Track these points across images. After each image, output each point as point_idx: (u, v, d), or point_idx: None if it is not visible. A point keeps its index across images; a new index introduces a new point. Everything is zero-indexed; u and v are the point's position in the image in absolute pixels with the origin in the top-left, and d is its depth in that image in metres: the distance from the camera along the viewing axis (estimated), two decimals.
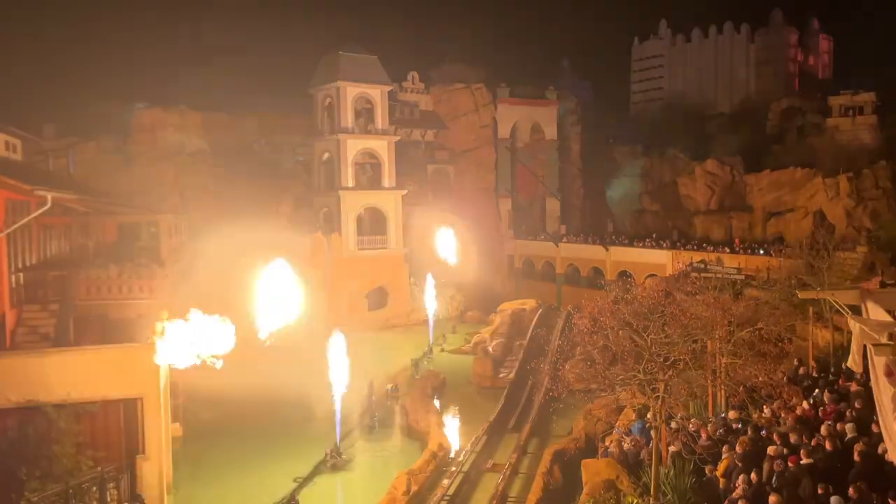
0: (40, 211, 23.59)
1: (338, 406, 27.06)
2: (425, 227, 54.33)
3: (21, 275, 25.01)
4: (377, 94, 56.16)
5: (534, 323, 43.89)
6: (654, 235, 57.62)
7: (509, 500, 22.41)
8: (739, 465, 13.98)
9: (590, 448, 23.39)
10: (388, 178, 56.48)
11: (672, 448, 16.08)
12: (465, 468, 24.56)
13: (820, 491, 12.13)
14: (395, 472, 24.23)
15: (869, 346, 12.23)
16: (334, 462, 25.88)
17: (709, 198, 59.45)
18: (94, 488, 18.47)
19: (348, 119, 54.79)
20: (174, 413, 26.75)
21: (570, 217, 72.56)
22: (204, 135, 57.86)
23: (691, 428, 16.65)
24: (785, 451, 13.86)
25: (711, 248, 51.14)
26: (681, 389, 15.34)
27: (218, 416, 31.28)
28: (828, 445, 13.56)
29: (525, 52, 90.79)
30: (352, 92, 54.84)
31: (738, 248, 49.50)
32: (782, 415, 16.45)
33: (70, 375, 19.41)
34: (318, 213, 57.05)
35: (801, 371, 20.74)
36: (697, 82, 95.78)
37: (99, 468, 18.79)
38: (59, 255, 30.65)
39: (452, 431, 29.34)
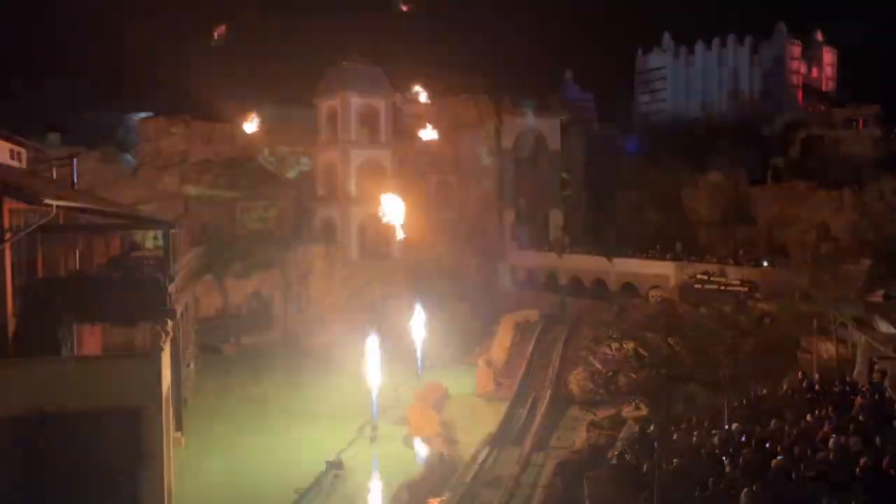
0: (44, 220, 23.62)
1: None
2: None
3: (24, 283, 25.02)
4: (381, 104, 56.31)
5: (536, 334, 43.77)
6: (657, 247, 57.51)
7: None
8: (743, 478, 13.88)
9: (592, 460, 23.26)
10: (391, 189, 56.50)
11: (675, 461, 15.99)
12: (468, 480, 24.44)
13: None
14: (397, 483, 24.17)
15: (875, 359, 12.19)
16: (336, 472, 25.81)
17: (713, 210, 59.38)
18: (95, 498, 18.41)
19: (352, 129, 54.93)
20: (176, 422, 26.69)
21: (574, 228, 72.46)
22: (208, 144, 58.03)
23: (694, 440, 16.57)
24: (789, 464, 13.77)
25: (715, 260, 50.98)
26: (684, 401, 15.27)
27: (220, 425, 31.26)
28: (831, 458, 13.47)
29: (529, 63, 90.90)
30: (356, 102, 55.01)
31: (741, 261, 49.39)
32: (786, 427, 16.36)
33: (72, 385, 19.37)
34: (320, 222, 57.13)
35: (804, 383, 20.64)
36: (701, 94, 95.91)
37: (100, 478, 18.72)
38: (62, 263, 30.68)
39: (455, 443, 29.22)
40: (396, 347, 40.57)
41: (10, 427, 18.43)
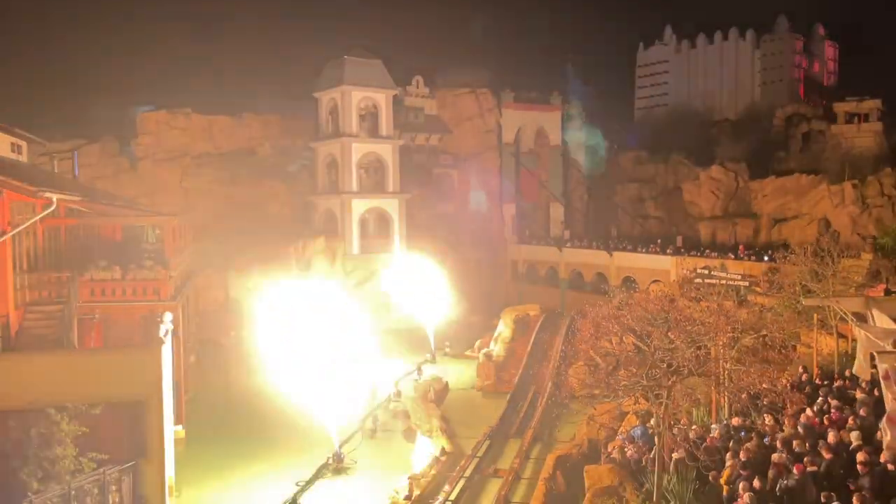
0: (45, 212, 23.64)
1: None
2: None
3: (25, 276, 25.05)
4: (382, 98, 56.26)
5: (537, 328, 43.80)
6: (658, 241, 57.50)
7: None
8: (743, 472, 13.92)
9: (592, 454, 23.33)
10: (392, 183, 56.54)
11: (675, 455, 16.02)
12: (468, 473, 24.51)
13: (823, 499, 12.08)
14: (397, 476, 24.23)
15: (875, 354, 12.21)
16: (337, 466, 25.87)
17: (713, 204, 59.34)
18: (96, 490, 18.47)
19: (353, 123, 54.88)
20: (177, 415, 26.76)
21: (574, 222, 72.52)
22: (208, 138, 58.01)
23: (694, 434, 16.60)
24: (789, 458, 13.80)
25: (716, 254, 50.97)
26: (684, 396, 15.28)
27: (221, 418, 31.32)
28: (831, 453, 13.50)
29: (530, 56, 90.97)
30: (357, 96, 54.95)
31: (742, 255, 49.38)
32: (786, 422, 16.39)
33: (73, 377, 19.42)
34: (320, 216, 57.13)
35: (804, 378, 20.68)
36: (702, 88, 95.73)
37: (101, 470, 18.79)
38: (63, 256, 30.69)
39: (455, 436, 29.29)
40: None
41: (10, 419, 18.49)
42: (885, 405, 11.86)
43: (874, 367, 12.86)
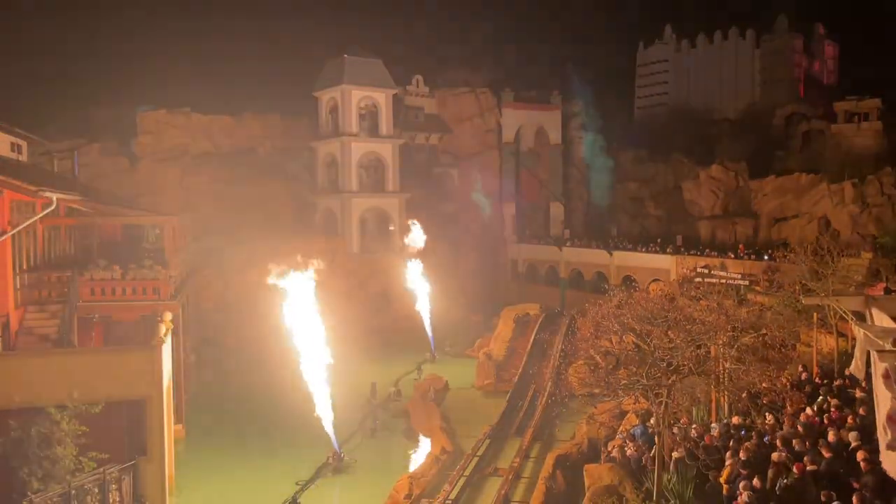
0: (45, 212, 23.66)
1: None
2: None
3: (26, 276, 25.07)
4: (382, 97, 56.28)
5: (537, 327, 43.80)
6: (658, 240, 57.49)
7: None
8: (743, 471, 13.93)
9: (592, 453, 23.34)
10: (392, 182, 56.56)
11: (675, 454, 16.04)
12: (468, 472, 24.52)
13: (823, 498, 12.09)
14: (397, 475, 24.23)
15: (872, 352, 12.19)
16: (336, 465, 25.88)
17: (713, 203, 59.33)
18: (96, 489, 18.48)
19: (353, 122, 54.89)
20: (177, 414, 26.79)
21: (574, 222, 72.50)
22: (208, 137, 58.01)
23: (694, 434, 16.61)
24: (789, 457, 13.81)
25: (715, 253, 50.95)
26: (684, 395, 15.29)
27: (221, 417, 31.34)
28: (831, 452, 13.51)
29: (530, 56, 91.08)
30: (356, 95, 54.97)
31: (742, 254, 49.38)
32: (786, 421, 16.40)
33: (73, 377, 19.44)
34: (320, 215, 57.13)
35: (804, 377, 20.69)
36: (702, 88, 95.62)
37: (101, 469, 18.80)
38: (63, 256, 30.74)
39: (455, 435, 29.30)
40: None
41: (11, 418, 18.51)
42: (877, 404, 11.83)
43: (870, 366, 12.86)
